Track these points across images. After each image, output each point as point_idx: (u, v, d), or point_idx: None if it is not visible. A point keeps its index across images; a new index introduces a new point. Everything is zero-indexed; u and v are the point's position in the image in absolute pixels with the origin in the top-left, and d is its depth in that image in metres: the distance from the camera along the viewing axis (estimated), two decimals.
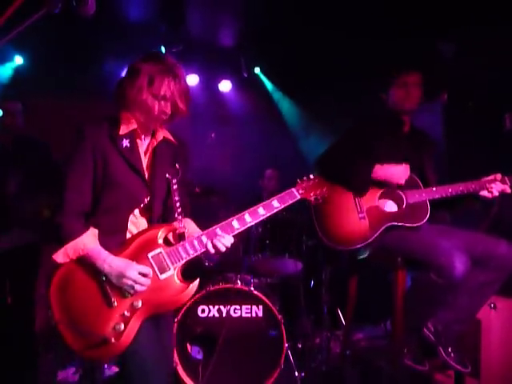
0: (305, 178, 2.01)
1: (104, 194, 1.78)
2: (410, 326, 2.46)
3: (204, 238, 1.82)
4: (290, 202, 1.94)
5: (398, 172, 2.54)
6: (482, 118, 3.51)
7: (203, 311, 2.93)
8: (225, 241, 1.81)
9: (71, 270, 1.74)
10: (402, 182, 2.55)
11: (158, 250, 1.78)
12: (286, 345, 2.89)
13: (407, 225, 2.49)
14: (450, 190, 2.50)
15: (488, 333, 2.66)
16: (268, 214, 1.89)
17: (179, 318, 2.86)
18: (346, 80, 4.41)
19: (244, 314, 2.94)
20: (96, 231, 1.77)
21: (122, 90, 1.80)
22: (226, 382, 2.85)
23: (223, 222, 1.85)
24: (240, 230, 1.85)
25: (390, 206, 2.59)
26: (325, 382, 3.12)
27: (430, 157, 2.75)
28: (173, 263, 1.78)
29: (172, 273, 1.77)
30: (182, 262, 1.79)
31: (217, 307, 2.93)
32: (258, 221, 1.87)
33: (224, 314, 2.91)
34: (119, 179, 1.79)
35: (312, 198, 1.99)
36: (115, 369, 3.10)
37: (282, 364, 2.85)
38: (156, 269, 1.76)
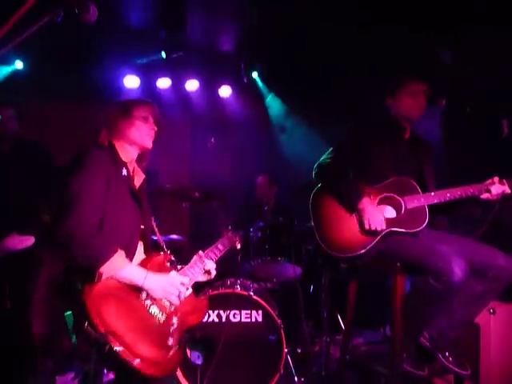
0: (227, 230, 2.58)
1: (111, 217, 1.85)
2: (410, 331, 2.46)
3: (198, 263, 2.14)
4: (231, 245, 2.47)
5: (375, 218, 2.48)
6: (479, 124, 3.52)
7: None
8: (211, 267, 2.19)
9: (109, 286, 1.74)
10: (367, 227, 2.48)
11: (173, 272, 1.99)
12: (286, 350, 2.89)
13: (406, 231, 2.49)
14: (448, 195, 2.51)
15: (487, 337, 2.66)
16: (220, 254, 2.34)
17: None
18: (345, 85, 4.43)
19: (243, 319, 2.94)
20: (123, 251, 1.81)
21: (119, 126, 2.02)
22: None
23: (210, 248, 2.28)
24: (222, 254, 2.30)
25: (389, 212, 2.59)
26: None
27: (429, 163, 2.76)
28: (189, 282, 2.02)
29: (191, 291, 2.02)
30: (192, 281, 2.05)
31: (216, 312, 2.93)
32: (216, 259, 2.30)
33: (223, 319, 2.91)
34: (125, 204, 1.94)
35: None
36: (114, 374, 3.10)
37: (281, 369, 2.84)
38: (187, 280, 1.99)
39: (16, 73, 4.58)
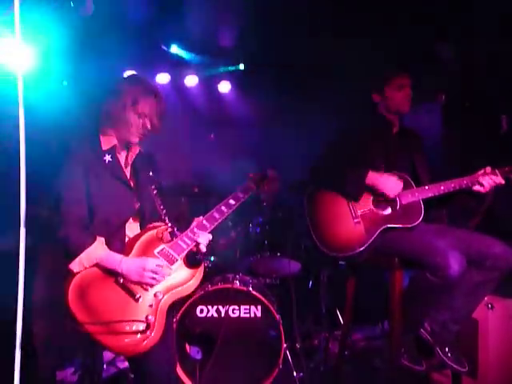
0: (254, 173, 2.46)
1: (97, 206, 1.92)
2: (408, 326, 2.47)
3: (196, 230, 2.08)
4: (250, 192, 2.36)
5: (391, 184, 2.52)
6: (479, 119, 3.52)
7: (202, 311, 2.94)
8: (206, 237, 2.08)
9: (86, 277, 1.86)
10: (392, 195, 2.53)
11: (161, 246, 2.01)
12: (285, 345, 2.90)
13: (402, 226, 2.50)
14: (442, 188, 2.52)
15: (485, 333, 2.66)
16: (238, 204, 2.26)
17: (178, 317, 2.87)
18: (338, 82, 4.42)
19: (242, 315, 2.95)
20: (103, 239, 1.90)
21: (106, 108, 2.00)
22: (225, 381, 2.85)
23: (207, 215, 2.16)
24: (220, 220, 2.17)
25: (384, 209, 2.60)
26: (323, 382, 3.13)
27: (421, 155, 2.77)
28: (178, 254, 2.01)
29: (180, 262, 2.01)
30: (185, 252, 2.03)
31: (215, 307, 2.93)
32: (231, 210, 2.22)
33: (223, 314, 2.92)
34: (109, 191, 1.96)
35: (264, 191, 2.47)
36: (114, 369, 3.11)
37: (280, 364, 2.85)
38: (165, 262, 1.97)
39: None
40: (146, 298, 1.90)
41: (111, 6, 3.88)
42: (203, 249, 2.05)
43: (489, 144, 3.39)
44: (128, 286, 1.88)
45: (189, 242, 2.04)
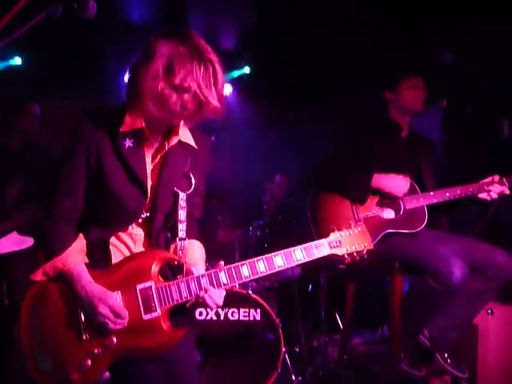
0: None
1: (95, 203, 1.54)
2: (408, 331, 2.46)
3: (204, 281, 1.52)
4: (316, 257, 1.63)
5: (398, 184, 2.52)
6: (480, 124, 3.52)
7: (201, 314, 2.92)
8: (216, 297, 1.53)
9: (47, 288, 1.53)
10: (401, 194, 2.52)
11: (148, 284, 1.51)
12: (284, 349, 2.89)
13: (405, 231, 2.49)
14: (447, 195, 2.50)
15: (485, 338, 2.66)
16: (286, 267, 1.61)
17: None
18: (339, 86, 4.43)
19: (242, 318, 2.93)
20: (83, 244, 1.55)
21: (134, 76, 1.48)
22: None
23: (231, 265, 1.57)
24: (249, 280, 1.60)
25: (388, 213, 2.59)
26: None
27: (428, 161, 2.76)
28: (161, 304, 1.50)
29: (157, 315, 1.50)
30: (171, 304, 1.51)
31: (214, 310, 2.92)
32: (272, 271, 1.60)
33: (222, 317, 2.91)
34: (113, 189, 1.50)
35: (346, 257, 1.71)
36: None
37: (279, 368, 2.84)
38: (141, 305, 1.50)
39: (14, 69, 4.55)
40: (93, 340, 1.48)
41: (113, 9, 3.89)
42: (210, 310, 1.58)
43: (490, 149, 3.39)
44: (81, 318, 1.49)
45: (185, 293, 1.51)
